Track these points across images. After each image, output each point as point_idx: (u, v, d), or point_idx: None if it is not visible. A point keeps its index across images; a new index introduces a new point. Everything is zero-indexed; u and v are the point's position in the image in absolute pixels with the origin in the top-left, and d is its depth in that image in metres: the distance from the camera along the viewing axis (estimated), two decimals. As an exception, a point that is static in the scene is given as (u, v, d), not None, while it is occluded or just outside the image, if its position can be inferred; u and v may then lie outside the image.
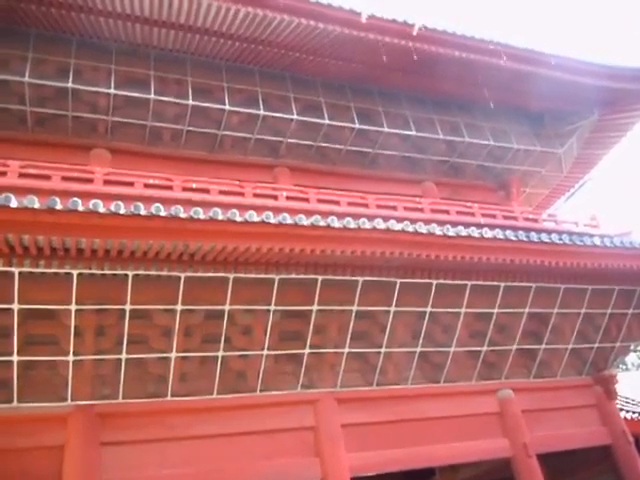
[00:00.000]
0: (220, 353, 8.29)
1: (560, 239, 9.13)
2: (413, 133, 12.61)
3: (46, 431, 7.48)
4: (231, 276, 7.79)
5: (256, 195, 10.01)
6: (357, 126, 12.12)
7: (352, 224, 7.66)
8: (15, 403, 7.44)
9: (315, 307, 8.57)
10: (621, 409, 12.71)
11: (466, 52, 11.40)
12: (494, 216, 11.69)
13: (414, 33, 10.65)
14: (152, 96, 10.57)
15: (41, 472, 7.23)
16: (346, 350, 9.04)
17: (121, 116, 10.68)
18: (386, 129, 12.36)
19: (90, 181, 9.02)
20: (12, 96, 9.98)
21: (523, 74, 12.12)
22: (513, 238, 8.75)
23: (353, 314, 8.84)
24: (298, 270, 8.07)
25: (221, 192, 9.70)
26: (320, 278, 8.32)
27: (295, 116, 11.58)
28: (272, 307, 8.32)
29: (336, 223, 7.56)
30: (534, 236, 8.94)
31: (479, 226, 8.97)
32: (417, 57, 11.33)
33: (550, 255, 9.06)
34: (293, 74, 11.87)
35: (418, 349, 9.58)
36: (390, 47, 10.95)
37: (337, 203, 10.54)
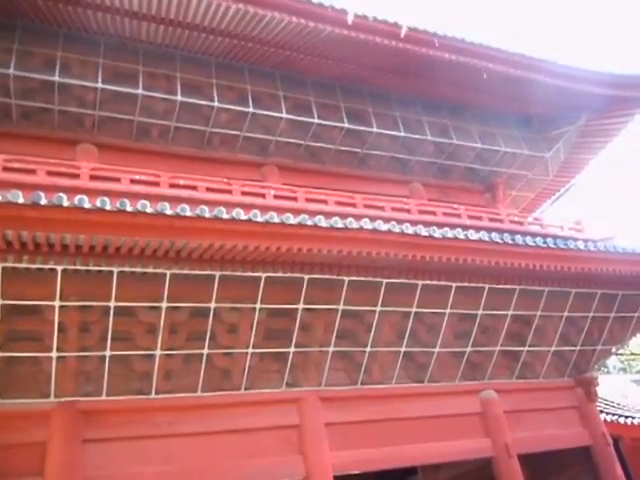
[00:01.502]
0: (205, 351, 8.27)
1: (545, 242, 9.23)
2: (402, 134, 12.65)
3: (29, 427, 7.40)
4: (217, 274, 7.77)
5: (244, 193, 10.00)
6: (346, 126, 12.12)
7: (339, 224, 7.67)
8: (-3, 399, 7.37)
9: (301, 306, 8.58)
10: (601, 411, 12.90)
11: (455, 54, 11.43)
12: (480, 218, 11.79)
13: (402, 35, 10.66)
14: (140, 91, 10.48)
15: (23, 469, 7.14)
16: (331, 349, 9.06)
17: (108, 111, 10.58)
18: (375, 129, 12.38)
19: (76, 176, 8.94)
20: (-3, 88, 9.87)
21: (512, 78, 12.19)
22: (498, 240, 8.81)
23: (339, 313, 8.87)
24: (285, 269, 8.07)
25: (209, 189, 9.67)
26: (306, 277, 8.33)
27: (284, 114, 11.56)
28: (258, 305, 8.31)
29: (323, 222, 7.57)
30: (519, 239, 9.01)
31: (465, 228, 9.03)
32: (406, 58, 11.38)
33: (535, 258, 9.15)
34: (283, 72, 11.84)
35: (403, 349, 9.64)
36: (380, 48, 10.95)
37: (325, 202, 10.56)
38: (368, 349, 9.33)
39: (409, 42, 10.99)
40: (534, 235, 9.73)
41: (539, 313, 10.45)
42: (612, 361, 27.00)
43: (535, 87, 12.49)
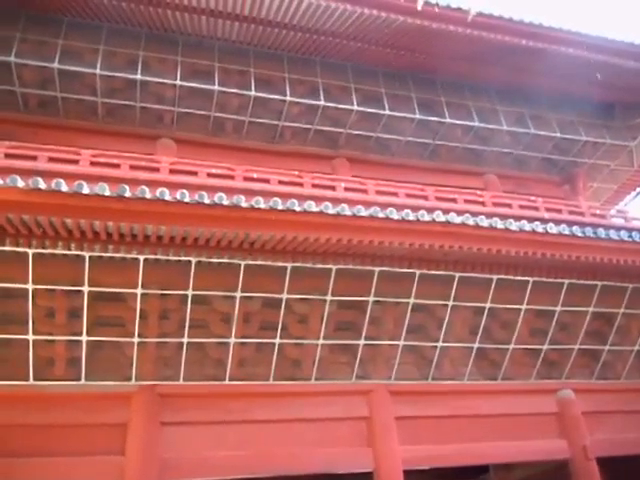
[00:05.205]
0: (277, 340, 8.42)
1: (630, 236, 8.74)
2: (476, 124, 12.33)
3: (111, 409, 7.79)
4: (289, 265, 7.89)
5: (315, 186, 10.06)
6: (418, 117, 11.95)
7: (411, 216, 7.58)
8: (83, 381, 7.80)
9: (371, 298, 8.56)
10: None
11: (532, 40, 11.03)
12: (559, 211, 11.27)
13: (468, 20, 10.37)
14: (216, 87, 10.81)
15: (105, 448, 7.52)
16: (401, 343, 8.99)
17: (186, 107, 10.99)
18: (448, 120, 12.14)
19: (156, 170, 9.30)
20: (85, 87, 10.45)
21: (592, 63, 11.61)
22: (580, 234, 8.42)
23: (409, 307, 8.78)
24: (355, 261, 8.07)
25: (280, 182, 9.80)
26: (377, 270, 8.30)
27: (355, 107, 11.55)
28: (328, 297, 8.37)
29: (394, 215, 7.50)
30: (602, 233, 8.57)
31: (543, 221, 8.70)
32: (479, 46, 11.09)
33: (618, 253, 8.68)
34: (354, 64, 11.83)
35: (476, 345, 9.41)
36: (450, 35, 10.73)
37: (396, 195, 10.44)
38: (439, 344, 9.18)
39: (479, 28, 10.71)
40: (618, 229, 9.22)
41: (622, 311, 9.90)
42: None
43: (618, 72, 11.84)
